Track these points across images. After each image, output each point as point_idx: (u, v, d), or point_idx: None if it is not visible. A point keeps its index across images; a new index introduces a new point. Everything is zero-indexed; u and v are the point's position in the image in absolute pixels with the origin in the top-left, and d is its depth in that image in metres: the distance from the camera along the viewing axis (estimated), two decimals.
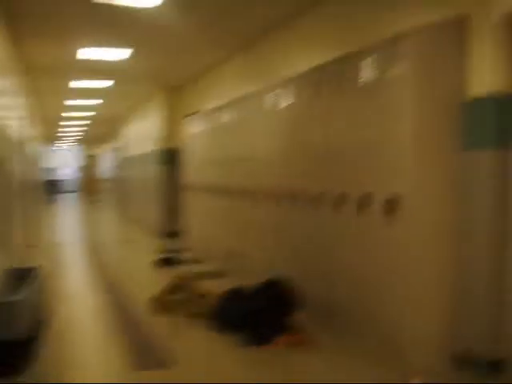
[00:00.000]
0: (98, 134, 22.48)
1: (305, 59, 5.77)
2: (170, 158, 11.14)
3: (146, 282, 7.08)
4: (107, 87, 11.01)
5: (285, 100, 5.34)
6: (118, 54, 8.01)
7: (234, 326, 4.56)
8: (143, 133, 13.69)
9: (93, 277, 7.24)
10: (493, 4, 3.52)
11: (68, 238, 12.24)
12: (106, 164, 23.51)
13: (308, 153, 5.03)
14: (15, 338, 1.77)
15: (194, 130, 8.77)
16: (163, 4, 5.69)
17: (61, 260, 8.84)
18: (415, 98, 3.65)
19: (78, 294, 6.24)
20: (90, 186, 30.87)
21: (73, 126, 20.01)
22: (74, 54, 7.97)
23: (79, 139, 26.40)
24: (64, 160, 35.06)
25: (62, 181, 33.18)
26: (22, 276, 2.19)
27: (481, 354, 3.66)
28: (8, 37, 6.57)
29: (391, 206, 3.80)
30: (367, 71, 4.04)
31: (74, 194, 32.29)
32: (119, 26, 6.61)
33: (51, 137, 24.75)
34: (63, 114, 15.77)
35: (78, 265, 8.36)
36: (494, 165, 3.53)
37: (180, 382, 3.69)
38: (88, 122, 17.83)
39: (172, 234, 10.74)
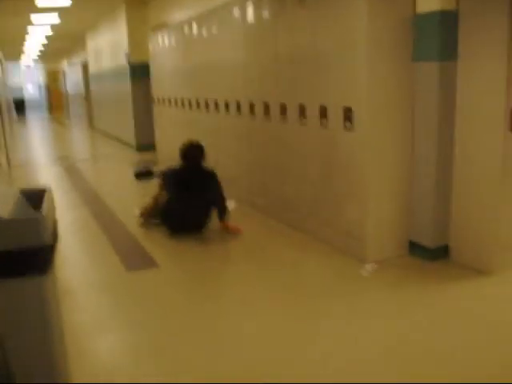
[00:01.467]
0: (61, 48, 22.04)
1: None
2: (139, 71, 11.26)
3: (126, 194, 7.54)
4: (67, 5, 10.93)
5: (249, 14, 5.59)
6: None
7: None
8: (111, 47, 13.62)
9: (78, 192, 7.64)
10: None
11: (45, 156, 12.44)
12: (72, 79, 23.20)
13: (270, 66, 5.36)
14: (44, 245, 2.21)
15: (160, 43, 8.91)
16: None
17: (44, 179, 9.17)
18: (369, 13, 3.96)
19: (68, 208, 6.67)
20: (56, 102, 30.47)
21: (36, 43, 19.62)
22: None
23: (42, 56, 25.81)
24: (28, 78, 34.31)
25: (28, 100, 32.63)
26: (37, 195, 2.60)
27: (430, 241, 4.25)
28: None
29: (348, 114, 4.22)
30: None
31: (42, 112, 31.89)
32: None
33: (14, 54, 24.21)
34: (27, 29, 15.50)
35: (62, 182, 8.69)
36: (438, 75, 3.95)
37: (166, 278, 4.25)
38: (48, 38, 17.49)
39: (146, 146, 11.08)
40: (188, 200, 5.22)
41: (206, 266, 4.48)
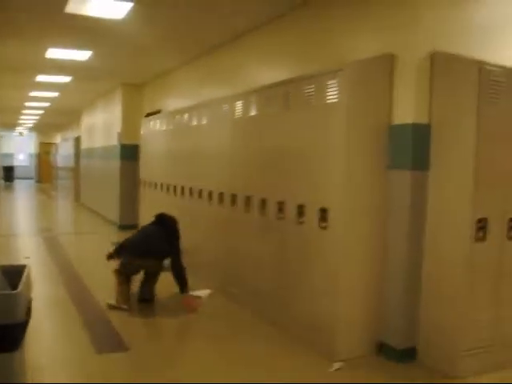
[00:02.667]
0: (55, 122, 22.52)
1: (259, 75, 6.38)
2: (129, 153, 11.52)
3: (103, 272, 7.54)
4: (66, 82, 11.37)
5: (238, 110, 5.88)
6: (80, 55, 8.48)
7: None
8: (103, 126, 13.98)
9: (55, 268, 7.64)
10: (416, 44, 4.16)
11: (25, 228, 12.47)
12: (64, 153, 23.52)
13: (254, 160, 5.59)
14: (16, 322, 2.29)
15: (152, 128, 9.20)
16: (128, 16, 6.17)
17: (24, 250, 9.17)
18: (347, 122, 4.23)
19: (44, 282, 6.66)
20: (45, 173, 30.70)
21: (31, 115, 20.07)
22: (42, 53, 8.36)
23: (35, 126, 26.27)
24: (20, 146, 34.69)
25: (17, 167, 32.85)
26: (15, 272, 2.69)
27: (398, 342, 4.33)
28: None
29: (324, 215, 4.41)
30: (310, 94, 4.62)
31: (30, 181, 32.03)
32: (85, 31, 7.04)
33: (9, 123, 24.64)
34: (25, 104, 15.93)
35: (41, 254, 8.70)
36: (410, 183, 4.18)
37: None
38: (44, 110, 17.93)
39: (129, 226, 11.15)
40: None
41: (174, 351, 4.50)
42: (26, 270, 2.71)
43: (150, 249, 5.76)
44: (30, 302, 2.63)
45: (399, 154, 4.27)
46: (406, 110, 4.20)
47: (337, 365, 4.18)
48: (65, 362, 4.27)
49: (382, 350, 4.43)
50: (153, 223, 6.19)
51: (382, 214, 4.39)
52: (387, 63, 4.32)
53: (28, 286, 2.60)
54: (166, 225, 6.07)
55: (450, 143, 4.07)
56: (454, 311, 4.05)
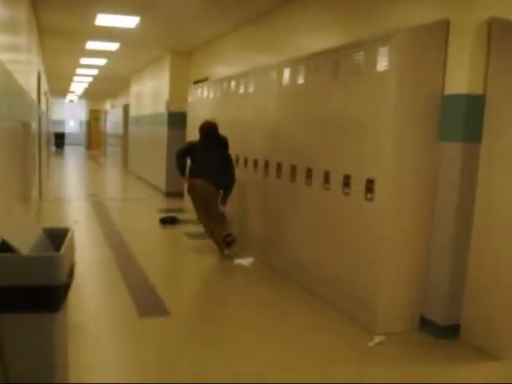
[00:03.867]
0: (105, 89, 22.79)
1: (308, 42, 6.25)
2: (176, 120, 11.57)
3: (148, 239, 7.67)
4: (115, 49, 11.45)
5: (285, 78, 5.79)
6: (129, 21, 8.49)
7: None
8: (151, 94, 14.07)
9: (102, 233, 7.80)
10: (473, 11, 3.97)
11: (76, 193, 12.75)
12: (113, 120, 23.86)
13: (300, 130, 5.51)
14: (58, 284, 2.32)
15: (199, 96, 9.19)
16: None
17: (72, 215, 9.39)
18: (398, 91, 4.10)
19: (89, 248, 6.82)
20: (95, 140, 31.26)
21: (81, 82, 20.36)
22: (92, 19, 8.41)
23: (85, 93, 26.69)
24: (71, 113, 35.37)
25: (67, 134, 33.52)
26: (59, 235, 2.72)
27: (441, 318, 4.24)
28: (29, 2, 6.99)
29: (370, 186, 4.31)
30: (360, 61, 4.49)
31: (80, 148, 32.68)
32: None
33: (60, 90, 25.08)
34: (75, 71, 16.15)
35: (89, 219, 8.90)
36: (462, 155, 4.03)
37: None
38: (94, 77, 18.16)
39: (175, 194, 11.26)
40: (210, 159, 6.65)
41: (216, 320, 4.53)
42: (70, 233, 2.73)
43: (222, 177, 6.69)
44: (72, 264, 2.65)
45: (451, 125, 4.12)
46: (460, 80, 4.03)
47: (377, 338, 4.13)
48: (107, 325, 4.34)
49: (425, 325, 4.35)
50: (209, 144, 6.75)
51: (431, 187, 4.27)
52: (441, 30, 4.14)
53: (71, 248, 2.63)
54: (220, 140, 6.81)
55: (505, 116, 3.90)
56: (501, 289, 3.92)
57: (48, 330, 2.36)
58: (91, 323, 4.31)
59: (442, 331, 4.22)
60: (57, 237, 2.80)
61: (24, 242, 2.46)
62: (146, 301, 4.88)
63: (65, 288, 2.40)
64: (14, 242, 2.27)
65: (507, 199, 3.88)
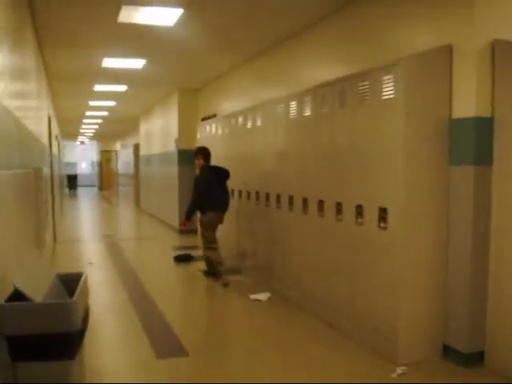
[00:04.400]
0: (115, 130, 23.05)
1: (313, 74, 6.29)
2: (187, 158, 11.58)
3: (164, 278, 7.64)
4: (122, 91, 11.61)
5: (292, 110, 5.82)
6: (135, 63, 8.62)
7: None
8: (160, 132, 14.19)
9: (117, 273, 7.78)
10: (475, 34, 3.97)
11: (90, 235, 12.77)
12: (124, 160, 24.04)
13: (309, 162, 5.52)
14: (73, 330, 2.29)
15: (207, 133, 9.23)
16: (179, 22, 6.20)
17: (87, 257, 9.39)
18: (405, 118, 4.09)
19: (105, 289, 6.80)
20: (107, 180, 31.48)
21: (91, 124, 20.61)
22: (98, 62, 8.55)
23: (95, 135, 26.98)
24: (82, 155, 35.73)
25: (80, 175, 33.81)
26: (72, 280, 2.71)
27: (464, 345, 4.15)
28: (36, 46, 7.12)
29: (383, 215, 4.28)
30: (366, 90, 4.50)
31: (93, 188, 32.90)
32: (138, 39, 7.14)
33: (71, 133, 25.38)
34: (84, 113, 16.36)
35: (104, 260, 8.89)
36: (473, 179, 4.00)
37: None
38: (104, 119, 18.37)
39: (189, 230, 11.24)
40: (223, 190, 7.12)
41: (234, 361, 4.47)
42: (83, 278, 2.72)
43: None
44: (87, 309, 2.63)
45: (461, 150, 4.09)
46: (467, 103, 4.02)
47: (400, 369, 4.04)
48: (124, 368, 4.29)
49: (448, 353, 4.26)
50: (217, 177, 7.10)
51: (444, 213, 4.23)
52: (445, 55, 4.15)
53: (84, 293, 2.61)
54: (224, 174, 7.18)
55: None
56: None
57: (64, 377, 2.33)
58: (108, 367, 4.26)
59: (465, 359, 4.13)
60: (70, 281, 2.79)
61: (37, 288, 2.45)
62: (163, 341, 4.83)
63: (80, 334, 2.38)
64: (26, 290, 2.26)
65: None
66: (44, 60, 8.55)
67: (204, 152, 7.28)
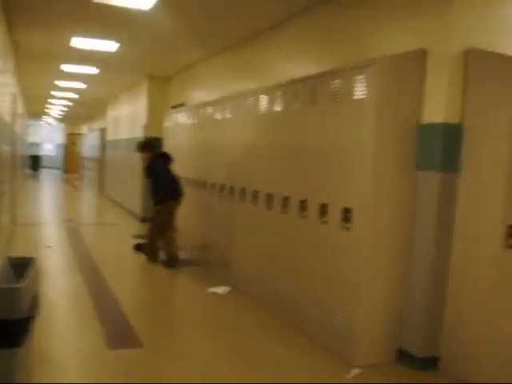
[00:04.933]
0: (83, 113, 22.64)
1: (285, 70, 6.23)
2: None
3: (122, 265, 7.52)
4: (93, 73, 11.37)
5: (262, 104, 5.74)
6: (106, 46, 8.41)
7: None
8: (128, 118, 13.97)
9: (74, 258, 7.62)
10: (450, 40, 3.97)
11: (51, 218, 12.52)
12: (90, 143, 23.65)
13: (277, 157, 5.45)
14: (18, 318, 2.19)
15: (175, 121, 9.10)
16: (155, 7, 6.07)
17: (45, 240, 9.18)
18: (375, 119, 4.05)
19: (61, 274, 6.64)
20: (72, 163, 30.92)
21: (59, 105, 20.19)
22: (66, 41, 8.33)
23: (63, 117, 26.47)
24: (47, 136, 35.03)
25: (44, 156, 33.12)
26: (21, 265, 2.60)
27: (419, 350, 4.16)
28: (4, 23, 6.90)
29: (347, 215, 4.25)
30: (338, 89, 4.46)
31: (56, 171, 32.32)
32: (111, 21, 6.98)
33: (37, 113, 24.85)
34: (51, 93, 16.00)
35: (62, 244, 8.70)
36: (439, 185, 3.99)
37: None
38: (72, 101, 18.02)
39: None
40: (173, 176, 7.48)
41: (188, 353, 4.40)
42: (35, 263, 2.60)
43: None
44: (36, 296, 2.52)
45: (428, 155, 4.08)
46: (437, 109, 4.02)
47: (354, 371, 4.03)
48: (75, 357, 4.18)
49: (402, 357, 4.26)
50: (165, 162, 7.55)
51: (410, 217, 4.22)
52: (419, 59, 4.13)
53: (35, 279, 2.50)
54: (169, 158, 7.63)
55: (482, 144, 3.88)
56: (481, 321, 3.86)
57: (9, 366, 2.22)
58: (59, 356, 4.14)
59: (419, 363, 4.14)
60: (22, 266, 2.68)
61: None
62: (117, 331, 4.73)
63: (26, 322, 2.27)
64: None
65: (486, 229, 3.84)
66: (12, 37, 8.29)
67: (148, 146, 7.71)
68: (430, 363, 4.14)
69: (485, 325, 3.84)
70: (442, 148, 3.98)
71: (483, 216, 3.85)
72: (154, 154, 7.59)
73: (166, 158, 7.61)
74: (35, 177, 26.54)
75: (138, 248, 8.21)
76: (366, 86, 4.10)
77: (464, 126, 3.99)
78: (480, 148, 3.90)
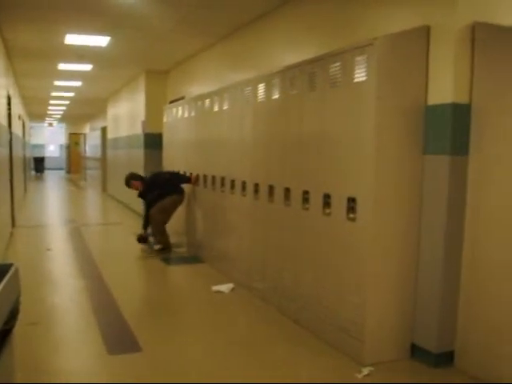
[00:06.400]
0: (83, 113, 22.49)
1: (284, 56, 5.97)
2: (153, 142, 11.24)
3: (124, 268, 7.32)
4: (90, 71, 11.17)
5: (260, 93, 5.50)
6: (99, 40, 8.21)
7: None
8: (127, 115, 13.76)
9: (76, 263, 7.42)
10: (455, 15, 3.71)
11: (53, 219, 12.36)
12: (92, 143, 23.52)
13: (277, 147, 5.21)
14: None
15: (174, 116, 8.88)
16: None
17: (44, 243, 9.00)
18: (377, 103, 3.81)
19: (60, 277, 6.47)
20: (75, 164, 30.82)
21: (58, 105, 20.04)
22: (61, 39, 8.12)
23: (65, 117, 26.35)
24: (50, 137, 34.94)
25: (47, 158, 33.04)
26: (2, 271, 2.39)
27: (434, 345, 3.92)
28: None
29: (352, 205, 4.02)
30: (337, 73, 4.21)
31: (60, 172, 32.24)
32: (103, 14, 6.75)
33: (40, 115, 24.73)
34: (51, 94, 15.85)
35: (60, 248, 8.52)
36: (449, 169, 3.75)
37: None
38: (71, 100, 17.87)
39: None
40: None
41: (189, 357, 4.19)
42: (12, 270, 2.39)
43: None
44: (15, 307, 2.31)
45: (436, 137, 3.84)
46: (444, 89, 3.76)
47: (366, 370, 3.80)
48: (73, 363, 3.99)
49: (416, 353, 4.03)
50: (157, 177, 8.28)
51: (417, 204, 3.98)
52: (422, 37, 3.88)
53: (11, 289, 2.28)
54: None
55: (492, 125, 3.63)
56: (497, 313, 3.63)
57: None
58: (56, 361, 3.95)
59: (434, 359, 3.90)
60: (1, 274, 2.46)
61: None
62: (117, 335, 4.53)
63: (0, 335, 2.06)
64: None
65: (498, 212, 3.60)
66: (3, 36, 8.09)
67: (133, 177, 8.33)
68: (445, 359, 3.91)
69: (499, 318, 3.60)
70: (451, 129, 3.73)
71: (494, 195, 3.61)
72: (142, 181, 8.19)
73: (156, 176, 8.30)
74: (39, 178, 26.45)
75: (141, 240, 8.09)
76: (367, 68, 3.85)
77: (473, 105, 3.74)
78: (489, 128, 3.65)
